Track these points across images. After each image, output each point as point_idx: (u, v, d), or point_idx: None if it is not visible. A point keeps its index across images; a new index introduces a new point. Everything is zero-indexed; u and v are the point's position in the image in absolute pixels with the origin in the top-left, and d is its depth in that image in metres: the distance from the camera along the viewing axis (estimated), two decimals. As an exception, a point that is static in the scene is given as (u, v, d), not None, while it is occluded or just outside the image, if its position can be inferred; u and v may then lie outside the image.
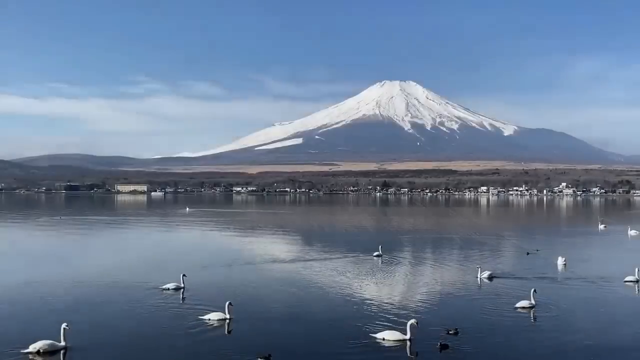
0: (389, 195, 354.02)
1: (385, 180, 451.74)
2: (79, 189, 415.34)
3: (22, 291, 28.50)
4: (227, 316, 22.13)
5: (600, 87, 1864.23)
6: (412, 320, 19.53)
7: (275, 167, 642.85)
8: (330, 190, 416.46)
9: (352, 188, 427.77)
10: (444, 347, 18.66)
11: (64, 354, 18.48)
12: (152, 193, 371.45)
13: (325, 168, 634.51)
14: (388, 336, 19.46)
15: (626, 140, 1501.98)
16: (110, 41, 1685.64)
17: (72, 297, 26.90)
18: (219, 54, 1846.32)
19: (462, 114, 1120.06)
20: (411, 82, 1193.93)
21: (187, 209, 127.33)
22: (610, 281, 32.00)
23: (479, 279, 31.71)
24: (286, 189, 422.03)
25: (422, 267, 38.32)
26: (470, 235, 62.78)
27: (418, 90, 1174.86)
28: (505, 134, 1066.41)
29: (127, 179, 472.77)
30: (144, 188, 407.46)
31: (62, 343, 18.80)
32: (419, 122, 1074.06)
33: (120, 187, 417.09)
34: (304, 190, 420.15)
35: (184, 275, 28.90)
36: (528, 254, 42.78)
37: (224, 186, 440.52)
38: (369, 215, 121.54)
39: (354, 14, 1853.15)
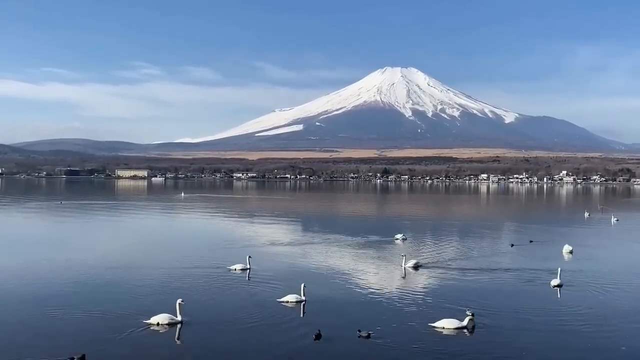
0: (389, 183, 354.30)
1: (385, 167, 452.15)
2: (79, 174, 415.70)
3: (101, 273, 29.37)
4: (303, 298, 23.09)
5: (602, 75, 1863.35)
6: (469, 315, 19.92)
7: (275, 153, 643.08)
8: (331, 177, 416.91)
9: (352, 175, 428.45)
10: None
11: (180, 328, 19.35)
12: (153, 178, 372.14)
13: (326, 155, 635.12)
14: (447, 324, 19.84)
15: (627, 129, 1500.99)
16: (109, 26, 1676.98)
17: (152, 278, 27.92)
18: (217, 40, 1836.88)
19: (464, 101, 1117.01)
20: (412, 69, 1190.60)
21: (183, 194, 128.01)
22: (629, 269, 32.29)
23: (403, 268, 31.12)
24: (286, 176, 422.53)
25: (438, 250, 39.54)
26: (469, 222, 65.23)
27: (419, 77, 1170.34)
28: (507, 122, 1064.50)
29: (127, 164, 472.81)
30: (145, 173, 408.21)
31: (179, 317, 19.70)
32: (420, 109, 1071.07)
33: (120, 173, 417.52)
34: (304, 176, 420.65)
35: (249, 257, 30.46)
36: (512, 245, 41.98)
37: (224, 172, 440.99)
38: (374, 202, 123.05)
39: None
